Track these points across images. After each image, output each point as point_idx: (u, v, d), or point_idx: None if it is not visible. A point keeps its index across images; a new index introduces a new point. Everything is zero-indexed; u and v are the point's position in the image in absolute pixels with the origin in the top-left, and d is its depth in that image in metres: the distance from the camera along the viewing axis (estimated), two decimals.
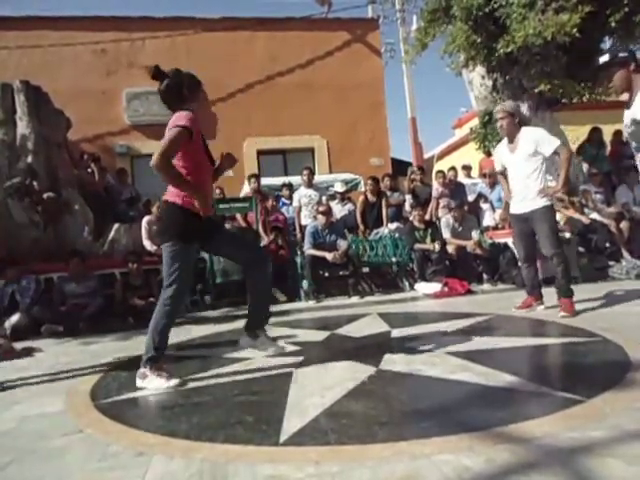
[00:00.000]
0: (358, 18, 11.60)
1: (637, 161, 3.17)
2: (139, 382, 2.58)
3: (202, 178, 2.65)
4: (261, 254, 2.97)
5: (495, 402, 1.95)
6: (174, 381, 2.56)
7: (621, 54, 3.20)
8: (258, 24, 10.62)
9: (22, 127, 6.32)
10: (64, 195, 6.35)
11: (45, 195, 6.11)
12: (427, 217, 7.27)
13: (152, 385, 2.55)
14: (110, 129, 9.94)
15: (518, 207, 4.10)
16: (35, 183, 6.10)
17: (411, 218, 7.16)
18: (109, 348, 4.06)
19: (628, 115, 3.10)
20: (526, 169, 3.95)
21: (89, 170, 7.42)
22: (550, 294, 4.08)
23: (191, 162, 2.59)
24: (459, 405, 1.96)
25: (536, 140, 3.90)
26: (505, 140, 4.16)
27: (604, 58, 3.23)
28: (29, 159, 6.22)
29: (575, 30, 6.12)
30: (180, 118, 2.51)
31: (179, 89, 2.63)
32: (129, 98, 10.03)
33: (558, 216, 6.19)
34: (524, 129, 4.02)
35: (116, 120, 10.01)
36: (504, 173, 4.29)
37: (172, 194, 2.60)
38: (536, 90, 7.30)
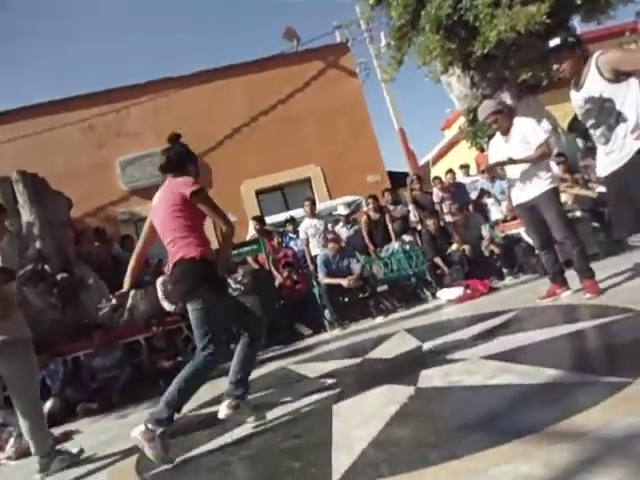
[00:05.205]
0: (328, 45, 11.84)
1: (594, 137, 3.18)
2: (137, 437, 2.32)
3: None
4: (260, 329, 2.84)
5: (541, 400, 1.89)
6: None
7: (569, 38, 3.26)
8: (233, 70, 10.91)
9: (26, 215, 6.46)
10: (77, 272, 6.43)
11: (59, 276, 6.19)
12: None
13: (148, 453, 2.31)
14: (110, 199, 10.15)
15: (521, 196, 4.05)
16: (47, 267, 6.19)
17: (428, 228, 7.01)
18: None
19: (580, 95, 3.14)
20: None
21: (95, 244, 7.52)
22: (574, 277, 3.98)
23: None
24: (505, 410, 1.91)
25: (525, 133, 3.93)
26: (497, 134, 4.17)
27: (554, 42, 3.28)
28: (37, 244, 6.33)
29: (545, 17, 6.17)
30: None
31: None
32: (123, 165, 10.26)
33: (565, 196, 6.13)
34: (516, 120, 4.05)
35: (114, 189, 10.22)
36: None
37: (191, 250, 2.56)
38: (519, 79, 7.33)
